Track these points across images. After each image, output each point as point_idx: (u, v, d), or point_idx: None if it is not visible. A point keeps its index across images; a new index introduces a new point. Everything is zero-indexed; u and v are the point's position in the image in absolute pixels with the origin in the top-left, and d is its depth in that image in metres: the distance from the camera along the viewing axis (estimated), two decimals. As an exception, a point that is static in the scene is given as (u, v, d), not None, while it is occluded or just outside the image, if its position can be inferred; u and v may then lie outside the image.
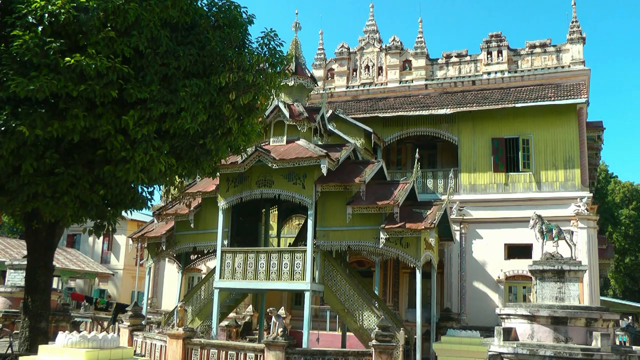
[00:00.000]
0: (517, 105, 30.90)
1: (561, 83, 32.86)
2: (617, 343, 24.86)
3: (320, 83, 37.17)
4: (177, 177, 17.50)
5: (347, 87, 37.73)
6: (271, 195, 25.15)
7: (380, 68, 37.41)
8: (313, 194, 23.64)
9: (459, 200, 31.33)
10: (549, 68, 33.72)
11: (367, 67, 37.61)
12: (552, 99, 31.00)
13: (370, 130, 32.04)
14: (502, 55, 34.72)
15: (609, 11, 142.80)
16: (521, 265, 28.52)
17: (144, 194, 16.52)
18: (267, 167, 24.02)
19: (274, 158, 23.74)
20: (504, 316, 18.49)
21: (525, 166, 31.20)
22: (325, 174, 23.23)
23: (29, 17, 12.77)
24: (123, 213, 17.22)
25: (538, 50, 34.28)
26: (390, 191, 23.58)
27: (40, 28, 12.76)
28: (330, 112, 30.80)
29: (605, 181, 68.96)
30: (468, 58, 35.65)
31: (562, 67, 33.39)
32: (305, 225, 26.40)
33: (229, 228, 26.02)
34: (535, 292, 18.93)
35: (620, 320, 41.78)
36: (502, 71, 34.58)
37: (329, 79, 38.74)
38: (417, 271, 22.65)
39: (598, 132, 34.47)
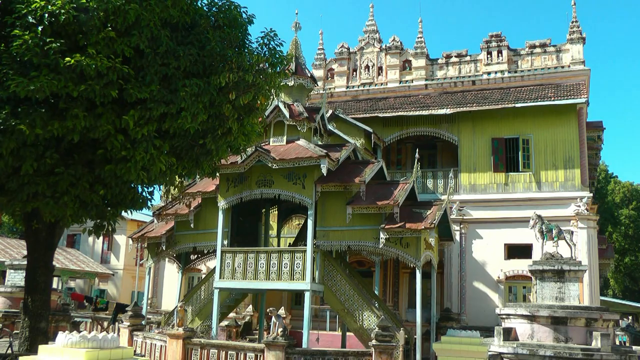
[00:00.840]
0: (517, 105, 30.91)
1: (561, 83, 32.86)
2: (617, 343, 24.87)
3: (320, 83, 37.17)
4: (177, 177, 17.53)
5: (347, 87, 37.73)
6: (271, 195, 25.16)
7: (380, 68, 37.42)
8: (313, 194, 23.64)
9: (459, 200, 31.33)
10: (548, 68, 33.72)
11: (367, 67, 37.62)
12: (552, 99, 31.00)
13: (370, 130, 32.04)
14: (502, 55, 34.72)
15: (609, 11, 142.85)
16: (521, 265, 28.52)
17: (144, 194, 16.52)
18: (267, 167, 24.02)
19: (273, 158, 23.74)
20: (504, 316, 18.49)
21: (525, 166, 31.20)
22: (325, 174, 23.23)
23: (29, 17, 12.79)
24: (123, 213, 17.24)
25: (538, 50, 34.29)
26: (390, 191, 23.58)
27: (40, 28, 12.78)
28: (330, 112, 30.81)
29: (605, 181, 69.00)
30: (468, 58, 35.66)
31: (562, 67, 33.40)
32: (305, 225, 26.40)
33: (229, 228, 26.03)
34: (535, 292, 18.93)
35: (620, 320, 41.82)
36: (502, 71, 34.58)
37: (329, 79, 38.74)
38: (417, 271, 22.65)
39: (598, 132, 34.49)
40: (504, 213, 30.80)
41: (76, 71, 12.66)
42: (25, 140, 12.99)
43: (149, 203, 17.07)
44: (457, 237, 30.57)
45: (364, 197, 23.19)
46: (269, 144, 25.69)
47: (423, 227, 22.37)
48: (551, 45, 34.06)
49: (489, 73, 34.83)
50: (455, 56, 35.90)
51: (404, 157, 36.15)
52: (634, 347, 19.47)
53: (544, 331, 17.22)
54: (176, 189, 19.59)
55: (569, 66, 33.21)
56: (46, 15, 12.75)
